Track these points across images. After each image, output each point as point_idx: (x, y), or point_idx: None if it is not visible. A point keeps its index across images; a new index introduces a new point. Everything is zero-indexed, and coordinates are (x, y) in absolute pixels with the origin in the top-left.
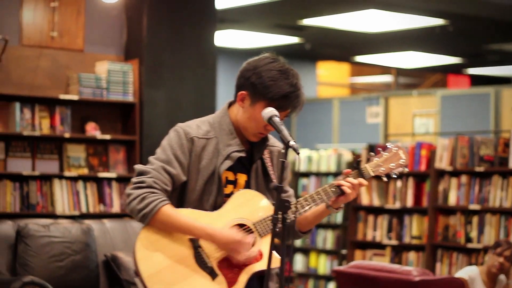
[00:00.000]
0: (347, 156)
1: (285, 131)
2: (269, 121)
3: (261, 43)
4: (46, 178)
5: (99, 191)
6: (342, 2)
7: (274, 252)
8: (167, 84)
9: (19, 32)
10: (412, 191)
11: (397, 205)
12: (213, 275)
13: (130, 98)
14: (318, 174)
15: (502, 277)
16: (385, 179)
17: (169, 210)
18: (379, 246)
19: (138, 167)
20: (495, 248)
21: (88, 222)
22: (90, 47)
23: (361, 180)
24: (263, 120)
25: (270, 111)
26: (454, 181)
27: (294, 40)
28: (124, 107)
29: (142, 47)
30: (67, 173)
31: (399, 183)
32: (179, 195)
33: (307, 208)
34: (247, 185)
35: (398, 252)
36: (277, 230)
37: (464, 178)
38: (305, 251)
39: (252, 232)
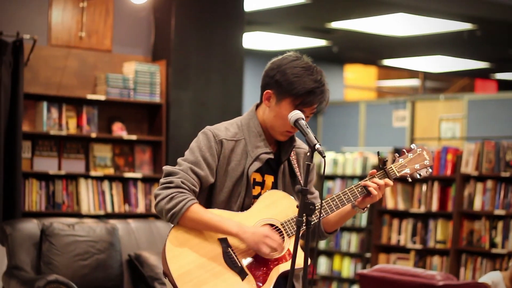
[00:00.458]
0: (373, 160)
1: (311, 134)
2: (295, 123)
3: (288, 46)
4: (72, 178)
5: (125, 191)
6: (370, 6)
7: (299, 251)
8: (194, 85)
9: (48, 32)
10: (437, 196)
11: (422, 209)
12: (242, 274)
13: (157, 99)
14: (344, 177)
15: None
16: (409, 179)
17: (198, 208)
18: (403, 250)
19: (167, 168)
20: None
21: (113, 221)
22: (118, 47)
23: (387, 180)
24: (286, 120)
25: (296, 113)
26: (479, 186)
27: (321, 43)
28: (151, 107)
29: (170, 48)
30: (93, 173)
31: (424, 187)
32: (207, 197)
33: (334, 209)
34: (274, 186)
35: (422, 256)
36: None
37: (489, 183)
38: (329, 254)
39: (281, 232)
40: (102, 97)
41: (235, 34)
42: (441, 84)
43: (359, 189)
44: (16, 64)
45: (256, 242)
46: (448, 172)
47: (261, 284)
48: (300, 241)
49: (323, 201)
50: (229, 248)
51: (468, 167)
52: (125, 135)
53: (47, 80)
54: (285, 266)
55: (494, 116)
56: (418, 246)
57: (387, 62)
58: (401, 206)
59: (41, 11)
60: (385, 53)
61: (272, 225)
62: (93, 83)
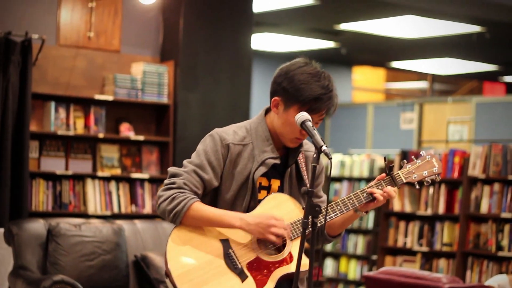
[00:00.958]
0: (380, 162)
1: (318, 136)
2: (301, 125)
3: (297, 47)
4: (79, 178)
5: (132, 191)
6: (379, 8)
7: (305, 257)
8: (202, 87)
9: (56, 32)
10: (444, 198)
11: (429, 211)
12: (242, 276)
13: (164, 99)
14: (351, 179)
15: None
16: (417, 186)
17: (199, 206)
18: (410, 252)
19: (171, 169)
20: None
21: (119, 222)
22: (126, 48)
23: (394, 189)
24: (294, 127)
25: (302, 115)
26: (486, 189)
27: (330, 44)
28: (159, 108)
29: (178, 49)
30: (100, 173)
31: (431, 190)
32: (212, 200)
33: (338, 213)
34: (281, 190)
35: (429, 259)
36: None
37: (496, 186)
38: (336, 256)
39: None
40: (110, 98)
41: (243, 35)
42: (449, 86)
43: (365, 195)
44: (25, 64)
45: (261, 233)
46: (455, 174)
47: (261, 287)
48: (306, 244)
49: (327, 206)
50: (230, 250)
51: (475, 170)
52: (132, 135)
53: (55, 80)
54: (286, 269)
55: (502, 119)
56: (424, 248)
57: (395, 64)
58: (407, 208)
59: (50, 11)
60: (394, 55)
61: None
62: (101, 83)
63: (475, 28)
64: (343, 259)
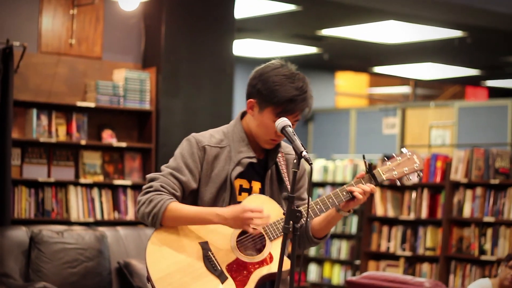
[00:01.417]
0: (363, 167)
1: (298, 141)
2: (281, 131)
3: (279, 53)
4: (62, 185)
5: (114, 198)
6: (360, 13)
7: (285, 257)
8: (184, 93)
9: (38, 39)
10: (426, 203)
11: (412, 216)
12: (222, 278)
13: (147, 106)
14: (334, 184)
15: None
16: (398, 183)
17: (176, 205)
18: (393, 257)
19: (149, 175)
20: (507, 260)
21: (102, 229)
22: (108, 54)
23: (372, 187)
24: (275, 127)
25: (282, 121)
26: (469, 193)
27: (312, 50)
28: (141, 115)
29: (160, 56)
30: (82, 180)
31: (413, 195)
32: (192, 203)
33: (318, 213)
34: (262, 193)
35: (412, 263)
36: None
37: (479, 190)
38: (319, 261)
39: (263, 235)
40: (92, 104)
41: (225, 42)
42: (432, 91)
43: (344, 193)
44: (6, 71)
45: (241, 225)
46: (438, 179)
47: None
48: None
49: (308, 208)
50: (209, 252)
51: (457, 174)
52: (114, 142)
53: (37, 87)
54: (266, 270)
55: (484, 124)
56: (407, 253)
57: (378, 69)
58: (390, 213)
59: (31, 18)
60: (376, 61)
61: (254, 229)
62: (83, 90)
63: (456, 33)
64: (327, 264)
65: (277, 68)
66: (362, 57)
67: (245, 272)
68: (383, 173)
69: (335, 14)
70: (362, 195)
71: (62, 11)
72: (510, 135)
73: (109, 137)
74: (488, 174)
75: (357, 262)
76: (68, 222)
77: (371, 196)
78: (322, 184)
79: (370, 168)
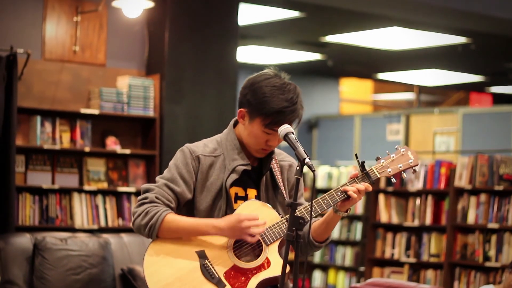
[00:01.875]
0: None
1: (300, 148)
2: (284, 138)
3: (283, 60)
4: (66, 192)
5: (118, 205)
6: (364, 20)
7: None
8: (188, 100)
9: (42, 46)
10: (431, 209)
11: (416, 223)
12: (220, 285)
13: (150, 113)
14: None
15: None
16: (393, 180)
17: (173, 217)
18: (397, 263)
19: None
20: (511, 267)
21: (105, 236)
22: (112, 61)
23: (367, 185)
24: (262, 135)
25: (285, 128)
26: (473, 199)
27: (316, 56)
28: (145, 122)
29: (164, 62)
30: (86, 187)
31: (418, 201)
32: (188, 213)
33: (313, 214)
34: (257, 199)
35: (416, 270)
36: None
37: (483, 197)
38: (324, 268)
39: (259, 240)
40: (95, 111)
41: (229, 48)
42: (436, 97)
43: (339, 193)
44: (10, 78)
45: (239, 236)
46: (442, 185)
47: None
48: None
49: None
50: (206, 260)
51: (461, 181)
52: (118, 149)
53: (40, 94)
54: (264, 275)
55: (489, 130)
56: (412, 259)
57: (382, 75)
58: (395, 219)
59: (35, 26)
60: (380, 67)
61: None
62: (87, 97)
63: (460, 39)
64: (332, 270)
65: (268, 78)
66: (366, 64)
67: (243, 278)
68: (377, 171)
69: (339, 21)
70: (356, 194)
71: (66, 18)
72: None
73: (113, 144)
74: (492, 180)
75: (362, 268)
76: (72, 229)
77: (375, 202)
78: (326, 191)
79: (364, 166)
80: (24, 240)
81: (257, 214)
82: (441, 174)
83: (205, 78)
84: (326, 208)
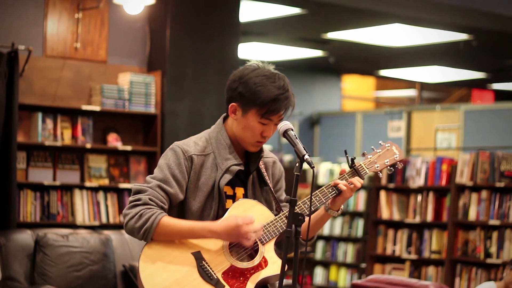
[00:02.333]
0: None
1: (300, 145)
2: (284, 134)
3: (284, 56)
4: (67, 188)
5: (120, 202)
6: (366, 16)
7: (276, 259)
8: (189, 96)
9: (43, 43)
10: (432, 206)
11: (417, 219)
12: (219, 286)
13: (152, 109)
14: None
15: None
16: (381, 174)
17: (169, 220)
18: (399, 260)
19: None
20: None
21: (107, 232)
22: (113, 58)
23: (358, 178)
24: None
25: (285, 125)
26: (474, 196)
27: (318, 53)
28: (146, 118)
29: (165, 59)
30: (88, 184)
31: (419, 198)
32: (179, 213)
33: (306, 211)
34: (245, 198)
35: (418, 266)
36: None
37: (484, 194)
38: (326, 264)
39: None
40: (97, 108)
41: (230, 45)
42: (438, 94)
43: (330, 189)
44: (11, 75)
45: (235, 240)
46: (443, 182)
47: None
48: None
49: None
50: (203, 261)
51: (463, 178)
52: (120, 145)
53: (42, 91)
54: (262, 274)
55: (490, 127)
56: (413, 256)
57: (384, 72)
58: (396, 216)
59: (36, 22)
60: (382, 64)
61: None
62: (88, 94)
63: (461, 36)
64: (333, 267)
65: (256, 69)
66: (368, 60)
67: (241, 278)
68: (365, 167)
69: (340, 17)
70: (347, 188)
71: (67, 15)
72: None
73: (114, 141)
74: (493, 177)
75: (363, 265)
76: (73, 226)
77: (376, 199)
78: None
79: (353, 162)
80: (25, 237)
81: (251, 214)
82: (443, 171)
83: (206, 75)
84: (318, 205)
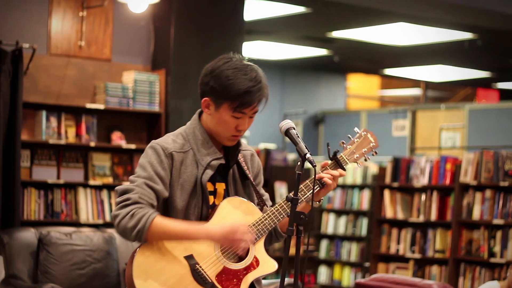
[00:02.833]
0: (373, 169)
1: (302, 144)
2: (286, 133)
3: (289, 55)
4: (71, 187)
5: None
6: (371, 15)
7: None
8: (193, 95)
9: (47, 41)
10: (436, 205)
11: (421, 218)
12: None
13: (156, 108)
14: (344, 187)
15: None
16: (359, 165)
17: (162, 221)
18: (402, 259)
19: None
20: None
21: (110, 231)
22: (117, 56)
23: (340, 170)
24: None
25: (286, 123)
26: (478, 195)
27: (322, 52)
28: (150, 117)
29: (169, 58)
30: (91, 182)
31: (423, 197)
32: (163, 211)
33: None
34: (226, 193)
35: (421, 265)
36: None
37: (488, 193)
38: (330, 263)
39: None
40: (101, 106)
41: (235, 44)
42: (443, 93)
43: (315, 183)
44: (16, 73)
45: (229, 246)
46: (447, 181)
47: None
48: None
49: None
50: (196, 265)
51: (467, 177)
52: (124, 144)
53: (46, 89)
54: (255, 274)
55: (495, 126)
56: (417, 255)
57: (389, 71)
58: (400, 215)
59: (41, 20)
60: (387, 63)
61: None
62: (92, 92)
63: (467, 35)
64: (337, 266)
65: (228, 61)
66: (372, 59)
67: (235, 280)
68: (346, 158)
69: (345, 16)
70: (331, 180)
71: (72, 13)
72: None
73: (118, 139)
74: (497, 176)
75: (367, 264)
76: (77, 224)
77: (380, 198)
78: None
79: (335, 154)
80: (29, 235)
81: (239, 211)
82: (447, 170)
83: None
84: (304, 200)
